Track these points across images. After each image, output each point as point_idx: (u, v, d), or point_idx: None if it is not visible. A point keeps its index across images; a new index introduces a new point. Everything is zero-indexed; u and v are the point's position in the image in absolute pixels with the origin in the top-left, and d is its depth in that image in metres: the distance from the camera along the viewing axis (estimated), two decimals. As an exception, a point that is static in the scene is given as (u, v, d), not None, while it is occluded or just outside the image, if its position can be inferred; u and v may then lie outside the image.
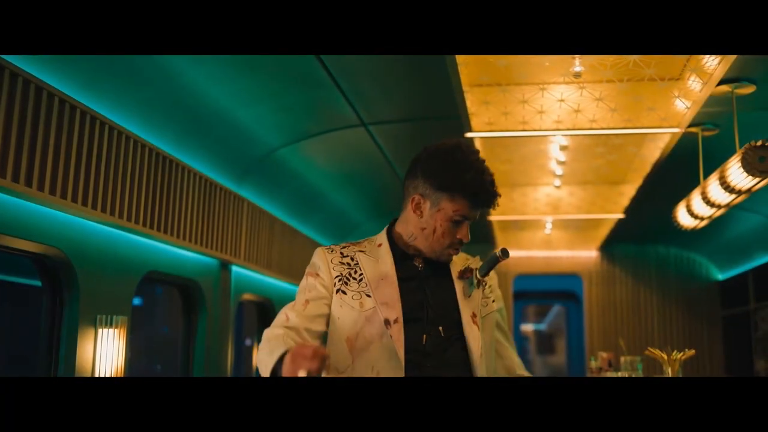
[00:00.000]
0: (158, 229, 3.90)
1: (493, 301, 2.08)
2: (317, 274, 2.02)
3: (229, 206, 4.89)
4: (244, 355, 7.52)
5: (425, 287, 1.98)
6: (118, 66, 3.27)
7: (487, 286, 2.08)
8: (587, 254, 9.75)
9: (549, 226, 8.44)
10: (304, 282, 2.04)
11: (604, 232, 8.66)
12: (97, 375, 3.44)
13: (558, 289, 12.31)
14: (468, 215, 1.94)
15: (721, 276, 9.34)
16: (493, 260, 1.96)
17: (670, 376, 4.13)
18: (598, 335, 9.51)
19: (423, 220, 1.97)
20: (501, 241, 9.30)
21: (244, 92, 3.97)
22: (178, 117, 3.93)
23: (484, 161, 1.95)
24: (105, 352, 3.48)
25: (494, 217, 7.59)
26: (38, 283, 3.36)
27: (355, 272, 1.99)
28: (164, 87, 3.61)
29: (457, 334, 1.93)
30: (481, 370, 1.90)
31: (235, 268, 5.21)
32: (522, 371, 2.15)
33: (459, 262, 2.08)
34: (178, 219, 4.14)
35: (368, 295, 1.95)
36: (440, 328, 1.92)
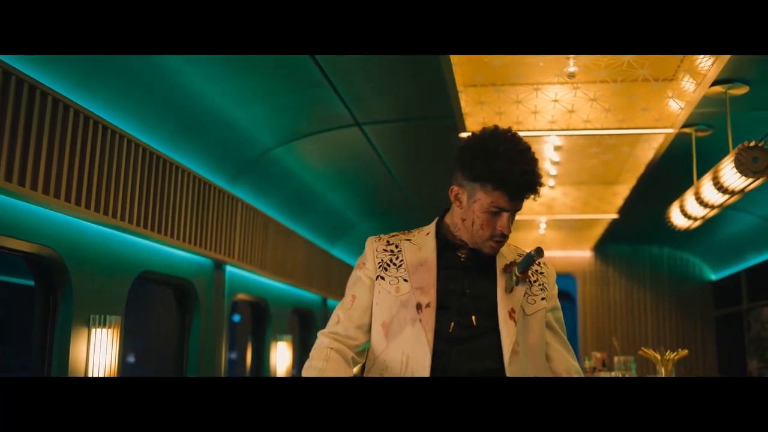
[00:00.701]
0: (152, 229, 3.89)
1: (543, 299, 2.01)
2: (364, 264, 2.01)
3: (223, 206, 4.89)
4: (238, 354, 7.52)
5: (464, 277, 1.94)
6: (113, 65, 3.26)
7: (536, 284, 2.01)
8: (581, 254, 9.77)
9: (543, 226, 8.46)
10: (352, 276, 2.04)
11: (597, 232, 8.68)
12: (90, 375, 3.43)
13: (552, 288, 12.32)
14: (505, 207, 1.87)
15: (714, 276, 9.37)
16: (528, 259, 1.92)
17: (663, 375, 4.14)
18: (592, 335, 9.53)
19: (462, 211, 1.94)
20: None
21: (238, 92, 3.96)
22: (172, 117, 3.92)
23: (521, 149, 1.86)
24: (98, 351, 3.46)
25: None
26: (31, 282, 3.35)
27: (397, 258, 1.98)
28: (158, 87, 3.60)
29: (491, 327, 1.88)
30: (514, 365, 1.84)
31: (229, 268, 5.21)
32: (571, 375, 2.04)
33: (509, 255, 2.02)
34: (172, 219, 4.13)
35: (405, 280, 1.93)
36: (473, 317, 1.88)
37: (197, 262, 4.74)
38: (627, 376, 4.83)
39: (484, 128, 1.94)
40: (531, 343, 1.93)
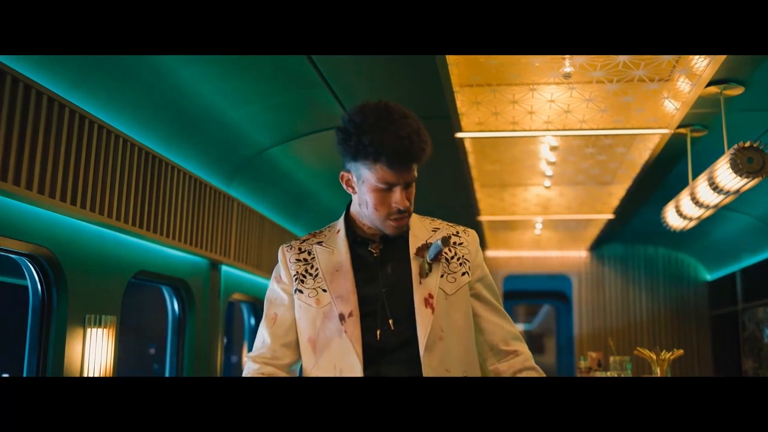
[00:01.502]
0: (148, 229, 3.88)
1: (464, 274, 1.89)
2: (280, 278, 1.95)
3: (219, 206, 4.88)
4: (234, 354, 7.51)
5: (380, 275, 1.85)
6: (108, 65, 3.25)
7: (454, 259, 1.89)
8: (577, 254, 9.79)
9: (539, 226, 8.47)
10: (269, 290, 1.97)
11: (593, 232, 8.69)
12: (85, 375, 3.43)
13: (547, 289, 12.36)
14: (392, 180, 1.77)
15: (709, 276, 9.39)
16: (436, 249, 1.81)
17: (658, 375, 4.15)
18: (588, 335, 9.54)
19: (357, 196, 1.87)
20: (491, 242, 9.32)
21: (234, 92, 3.96)
22: (167, 116, 3.92)
23: (393, 118, 1.75)
24: (94, 351, 3.46)
25: (484, 217, 7.60)
26: (26, 282, 3.34)
27: (312, 267, 1.90)
28: (154, 86, 3.59)
29: (409, 325, 1.78)
30: (437, 353, 1.75)
31: (224, 268, 5.20)
32: (509, 345, 1.93)
33: (421, 234, 1.92)
34: (168, 218, 4.13)
35: (324, 290, 1.84)
36: (390, 321, 1.79)
37: (193, 261, 4.74)
38: (622, 376, 4.84)
39: (356, 105, 1.83)
40: (458, 325, 1.84)
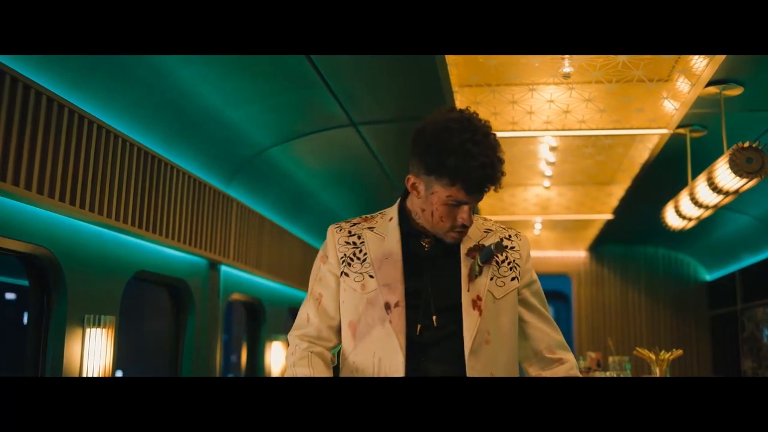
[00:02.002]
0: (147, 229, 3.88)
1: (513, 279, 1.88)
2: (326, 258, 1.91)
3: (218, 206, 4.88)
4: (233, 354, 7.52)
5: (429, 270, 1.83)
6: (107, 65, 3.25)
7: (504, 263, 1.88)
8: (576, 254, 9.78)
9: (538, 226, 8.46)
10: (315, 268, 1.95)
11: (592, 232, 8.69)
12: (84, 375, 3.43)
13: (547, 289, 12.24)
14: (463, 200, 1.77)
15: (708, 277, 9.39)
16: (488, 253, 1.82)
17: (658, 375, 4.15)
18: (587, 335, 9.54)
19: (421, 201, 1.83)
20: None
21: (233, 92, 3.96)
22: (167, 116, 3.92)
23: (477, 140, 1.75)
24: (93, 351, 3.46)
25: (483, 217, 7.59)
26: (26, 282, 3.34)
27: (360, 251, 1.87)
28: (153, 86, 3.59)
29: (456, 324, 1.77)
30: (483, 356, 1.75)
31: (224, 268, 5.20)
32: (553, 353, 1.92)
33: (474, 235, 1.90)
34: (167, 218, 4.13)
35: (371, 276, 1.82)
36: (434, 317, 1.77)
37: (192, 262, 4.73)
38: (622, 376, 4.84)
39: (438, 112, 1.82)
40: (504, 329, 1.83)
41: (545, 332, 1.94)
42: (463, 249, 1.85)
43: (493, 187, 1.79)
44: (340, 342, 1.89)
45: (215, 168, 4.78)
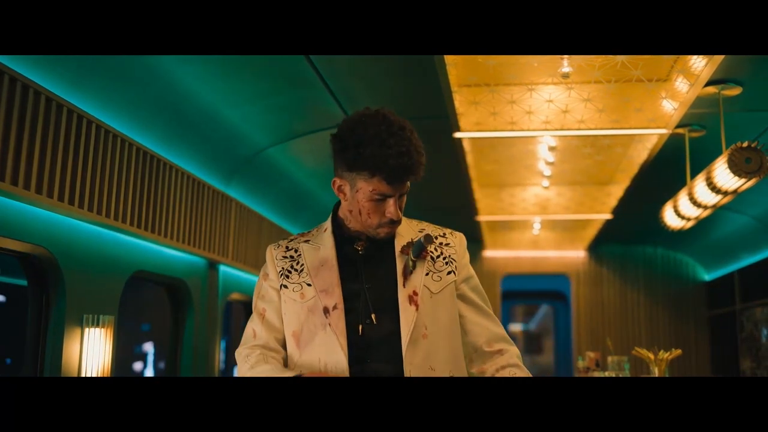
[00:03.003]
0: (146, 229, 3.88)
1: (450, 273, 1.90)
2: (267, 275, 1.96)
3: (217, 206, 4.88)
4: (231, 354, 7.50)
5: (364, 272, 1.86)
6: (106, 64, 3.25)
7: (440, 258, 1.90)
8: (575, 254, 9.78)
9: (537, 226, 8.47)
10: (257, 287, 1.99)
11: (591, 232, 8.70)
12: (83, 374, 3.42)
13: (546, 289, 12.36)
14: (387, 192, 1.79)
15: (707, 276, 9.39)
16: (418, 246, 1.84)
17: (656, 375, 4.15)
18: (586, 335, 9.54)
19: (348, 202, 1.86)
20: (489, 242, 9.32)
21: (232, 91, 3.96)
22: (165, 116, 3.92)
23: (392, 131, 1.76)
24: (91, 351, 3.46)
25: (482, 217, 7.60)
26: (24, 282, 3.34)
27: (297, 263, 1.91)
28: (152, 86, 3.59)
29: (394, 321, 1.79)
30: (421, 350, 1.76)
31: (223, 268, 5.20)
32: (492, 346, 1.92)
33: (407, 233, 1.93)
34: (166, 218, 4.12)
35: (309, 284, 1.86)
36: (372, 315, 1.80)
37: (191, 261, 4.73)
38: (620, 376, 4.84)
39: (355, 112, 1.85)
40: (443, 323, 1.84)
41: (483, 326, 1.94)
42: (397, 247, 1.89)
43: (413, 177, 1.80)
44: (286, 354, 1.91)
45: (214, 168, 4.78)
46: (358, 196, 1.83)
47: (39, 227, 3.19)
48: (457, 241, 1.99)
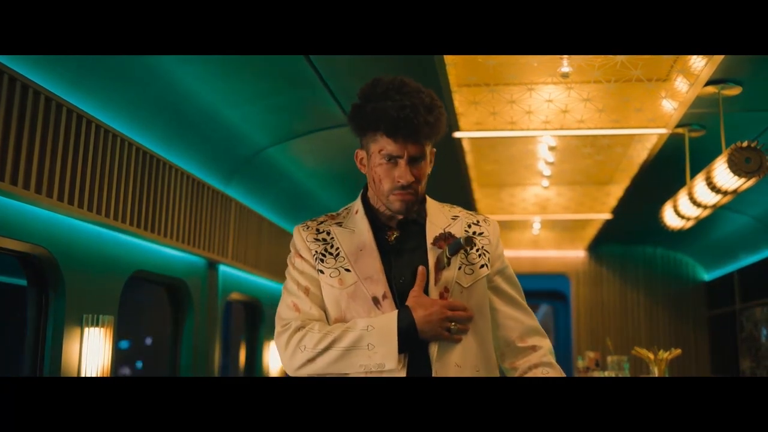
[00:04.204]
0: (145, 228, 3.88)
1: (483, 266, 1.81)
2: (300, 255, 1.84)
3: (216, 205, 4.88)
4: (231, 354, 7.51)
5: (394, 264, 1.78)
6: (106, 64, 3.25)
7: (473, 250, 1.82)
8: (575, 254, 9.78)
9: (537, 226, 8.47)
10: (291, 267, 1.85)
11: (591, 232, 8.70)
12: (83, 374, 3.42)
13: (545, 288, 12.35)
14: (394, 152, 1.72)
15: (707, 276, 9.39)
16: (456, 246, 1.75)
17: (656, 375, 4.15)
18: (585, 335, 9.54)
19: (367, 174, 1.82)
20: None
21: (231, 91, 3.96)
22: (165, 116, 3.91)
23: (399, 86, 1.71)
24: (91, 351, 3.46)
25: (482, 217, 7.59)
26: (24, 282, 3.34)
27: (331, 246, 1.81)
28: (152, 86, 3.59)
29: None
30: (439, 356, 1.68)
31: (222, 268, 5.20)
32: (525, 341, 1.86)
33: (439, 221, 1.85)
34: (166, 218, 4.12)
35: (347, 270, 1.76)
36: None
37: (191, 261, 4.73)
38: (620, 375, 4.84)
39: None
40: (474, 319, 1.76)
41: (517, 320, 1.88)
42: (429, 238, 1.80)
43: (417, 136, 1.71)
44: None
45: (214, 167, 4.78)
46: (371, 163, 1.78)
47: (38, 227, 3.19)
48: (491, 229, 1.91)
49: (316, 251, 1.82)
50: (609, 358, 5.12)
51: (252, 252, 5.57)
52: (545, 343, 1.89)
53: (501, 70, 3.99)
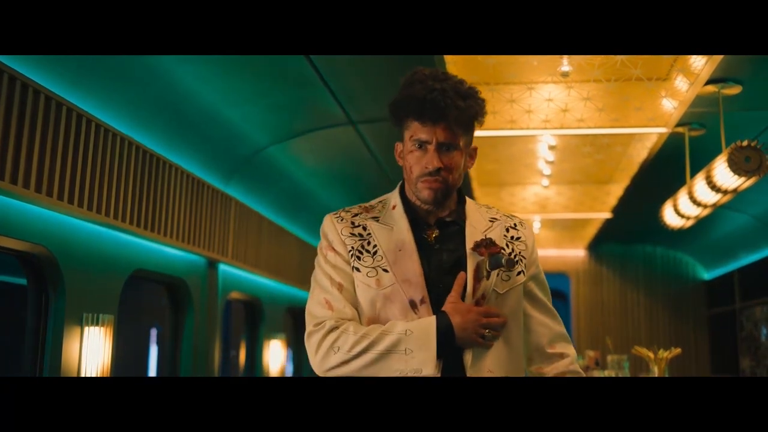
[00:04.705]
0: (145, 228, 3.88)
1: (520, 273, 1.79)
2: (332, 248, 1.78)
3: (216, 205, 4.88)
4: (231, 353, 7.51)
5: (433, 265, 1.74)
6: (105, 63, 3.25)
7: (510, 255, 1.79)
8: (575, 253, 9.79)
9: (537, 225, 8.47)
10: (323, 258, 1.79)
11: (591, 231, 8.70)
12: (83, 373, 3.42)
13: (545, 288, 12.33)
14: (423, 137, 1.70)
15: (707, 275, 9.39)
16: (497, 263, 1.72)
17: (656, 374, 4.15)
18: (586, 334, 9.55)
19: (404, 164, 1.78)
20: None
21: (231, 91, 3.96)
22: (165, 115, 3.91)
23: (431, 72, 1.70)
24: (91, 350, 3.46)
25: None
26: (24, 281, 3.34)
27: (368, 243, 1.75)
28: (152, 85, 3.59)
29: None
30: (472, 362, 1.67)
31: (222, 267, 5.20)
32: (554, 347, 1.85)
33: (478, 223, 1.81)
34: (166, 217, 4.12)
35: (385, 270, 1.71)
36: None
37: (191, 260, 4.73)
38: (620, 374, 4.84)
39: None
40: (507, 325, 1.74)
41: (548, 326, 1.87)
42: (469, 242, 1.76)
43: (447, 119, 1.68)
44: None
45: (214, 167, 4.78)
46: (405, 152, 1.76)
47: (38, 226, 3.19)
48: (527, 233, 1.88)
49: (353, 247, 1.76)
50: (609, 357, 5.13)
51: (252, 251, 5.57)
52: (572, 351, 1.89)
53: (501, 69, 3.99)
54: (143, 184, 3.86)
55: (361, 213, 1.84)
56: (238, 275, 5.58)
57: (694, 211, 4.70)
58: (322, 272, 1.79)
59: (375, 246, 1.75)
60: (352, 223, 1.80)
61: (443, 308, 1.69)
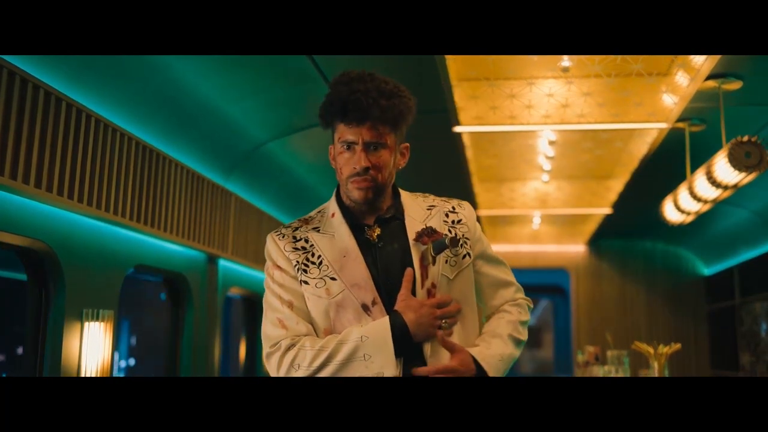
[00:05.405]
0: (145, 223, 3.88)
1: (465, 256, 1.81)
2: (278, 266, 1.79)
3: (216, 200, 4.88)
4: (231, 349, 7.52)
5: (380, 262, 1.75)
6: (105, 59, 3.24)
7: (454, 239, 1.80)
8: (574, 249, 9.79)
9: (537, 220, 8.47)
10: (270, 280, 1.80)
11: (591, 226, 8.70)
12: (83, 369, 3.42)
13: (545, 283, 12.36)
14: (349, 138, 1.71)
15: (707, 271, 9.40)
16: (441, 246, 1.73)
17: (656, 369, 4.16)
18: (585, 329, 9.55)
19: (336, 167, 1.80)
20: (488, 236, 9.31)
21: (231, 86, 3.95)
22: (165, 111, 3.91)
23: (357, 74, 1.71)
24: (91, 346, 3.46)
25: (482, 212, 7.60)
26: (23, 276, 3.33)
27: (312, 255, 1.76)
28: (151, 80, 3.58)
29: None
30: (432, 352, 1.68)
31: (222, 262, 5.20)
32: (498, 292, 1.90)
33: (416, 213, 1.83)
34: (166, 213, 4.12)
35: (333, 279, 1.72)
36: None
37: (190, 256, 4.73)
38: (620, 370, 4.85)
39: None
40: (461, 309, 1.76)
41: (498, 293, 1.91)
42: (411, 234, 1.78)
43: (372, 120, 1.70)
44: None
45: (214, 162, 4.78)
46: (335, 155, 1.77)
47: (38, 221, 3.18)
48: (467, 213, 1.90)
49: (297, 261, 1.77)
50: (609, 353, 5.13)
51: (252, 246, 5.57)
52: (512, 293, 1.94)
53: (501, 65, 3.99)
54: (143, 180, 3.86)
55: (301, 226, 1.86)
56: (238, 270, 5.58)
57: (694, 207, 4.70)
58: (271, 292, 1.79)
59: (319, 256, 1.76)
60: (294, 237, 1.82)
61: (395, 307, 1.69)
